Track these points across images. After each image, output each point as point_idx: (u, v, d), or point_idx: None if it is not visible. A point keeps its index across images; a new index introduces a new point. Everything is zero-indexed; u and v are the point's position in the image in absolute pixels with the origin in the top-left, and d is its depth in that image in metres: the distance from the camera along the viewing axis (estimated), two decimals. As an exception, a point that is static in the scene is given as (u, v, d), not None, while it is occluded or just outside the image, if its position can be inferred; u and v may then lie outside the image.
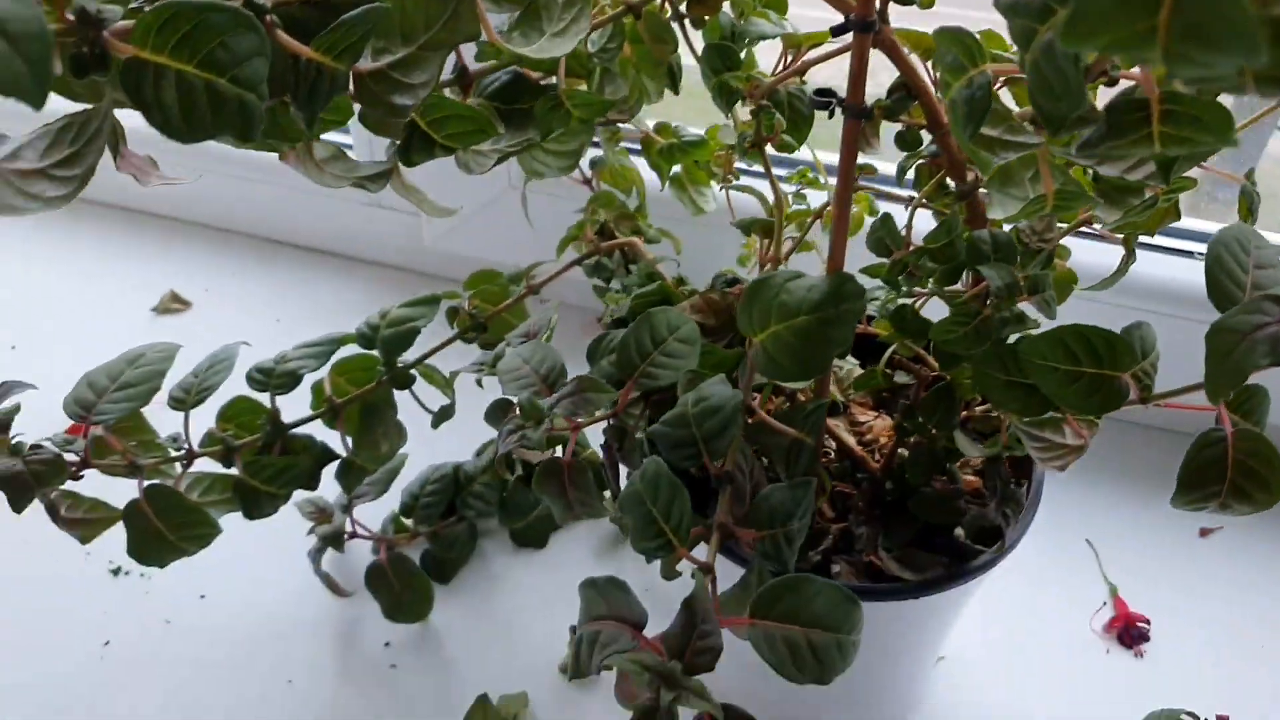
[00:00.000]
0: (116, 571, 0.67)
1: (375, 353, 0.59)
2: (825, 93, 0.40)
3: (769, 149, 0.47)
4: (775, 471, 0.46)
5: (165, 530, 0.51)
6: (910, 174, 0.46)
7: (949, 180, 0.42)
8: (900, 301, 0.46)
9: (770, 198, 0.55)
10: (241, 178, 0.89)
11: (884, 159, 0.50)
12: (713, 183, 0.62)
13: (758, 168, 0.51)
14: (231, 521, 0.53)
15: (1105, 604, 0.67)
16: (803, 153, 0.53)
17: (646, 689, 0.35)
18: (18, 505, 0.47)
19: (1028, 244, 0.43)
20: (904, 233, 0.44)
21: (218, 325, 0.84)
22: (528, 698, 0.61)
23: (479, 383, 0.65)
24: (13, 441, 0.48)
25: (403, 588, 0.63)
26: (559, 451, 0.46)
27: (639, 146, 0.59)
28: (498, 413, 0.51)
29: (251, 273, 0.89)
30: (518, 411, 0.48)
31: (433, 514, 0.66)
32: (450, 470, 0.68)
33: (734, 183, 0.57)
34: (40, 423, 0.73)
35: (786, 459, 0.45)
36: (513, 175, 0.80)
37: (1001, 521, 0.49)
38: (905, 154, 0.47)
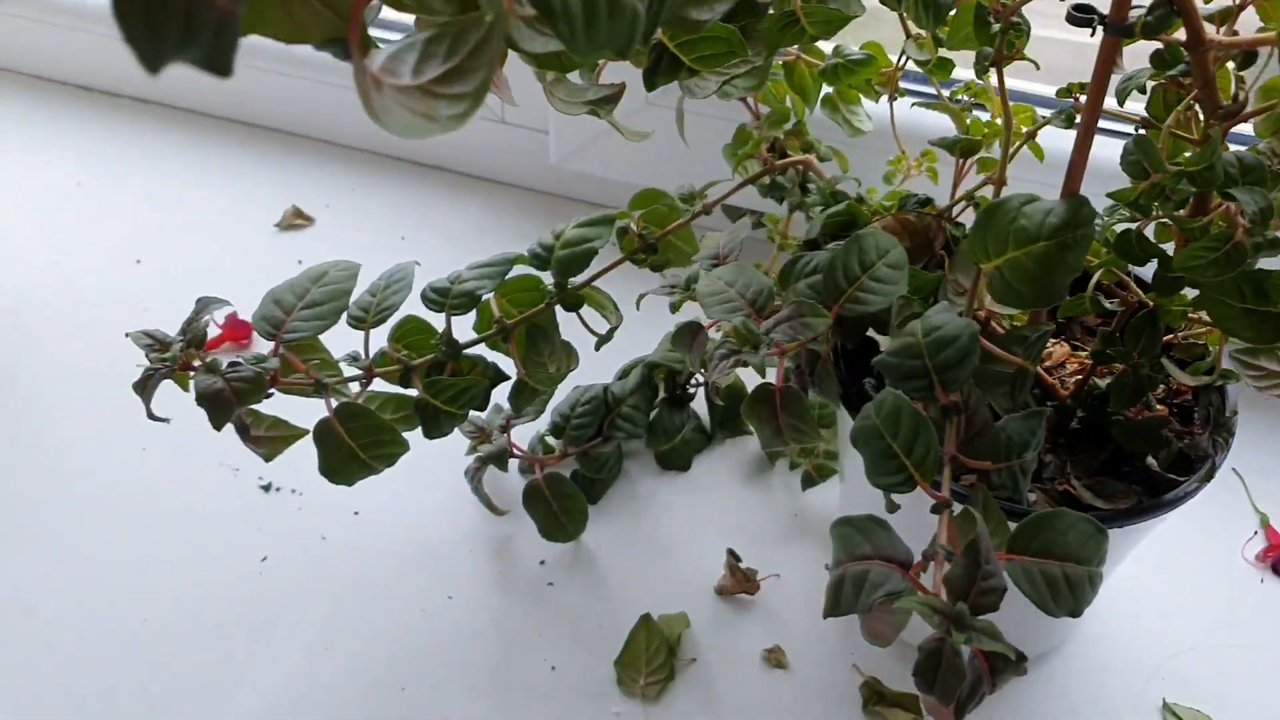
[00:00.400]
0: (267, 488, 0.68)
1: (536, 272, 0.59)
2: (1084, 9, 0.38)
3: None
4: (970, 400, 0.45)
5: (357, 448, 0.51)
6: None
7: (1195, 103, 0.41)
8: (1124, 226, 0.45)
9: (955, 116, 0.54)
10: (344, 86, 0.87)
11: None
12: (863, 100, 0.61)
13: (917, 86, 0.49)
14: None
15: (1256, 533, 0.66)
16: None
17: (935, 630, 0.35)
18: (218, 422, 0.47)
19: (1270, 167, 0.42)
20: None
21: (341, 241, 0.83)
22: (688, 618, 0.61)
23: (637, 305, 0.65)
24: (209, 359, 0.48)
25: (559, 507, 0.63)
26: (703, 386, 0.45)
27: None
28: (686, 336, 0.50)
29: (372, 189, 0.88)
30: (717, 334, 0.48)
31: (584, 435, 0.66)
32: (600, 392, 0.67)
33: (909, 101, 0.55)
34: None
35: (1011, 388, 0.44)
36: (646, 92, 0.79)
37: (1212, 450, 0.48)
38: (1130, 76, 0.45)
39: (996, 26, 0.41)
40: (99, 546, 0.65)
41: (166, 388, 0.72)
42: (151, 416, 0.48)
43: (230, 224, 0.84)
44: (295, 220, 0.84)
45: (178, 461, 0.69)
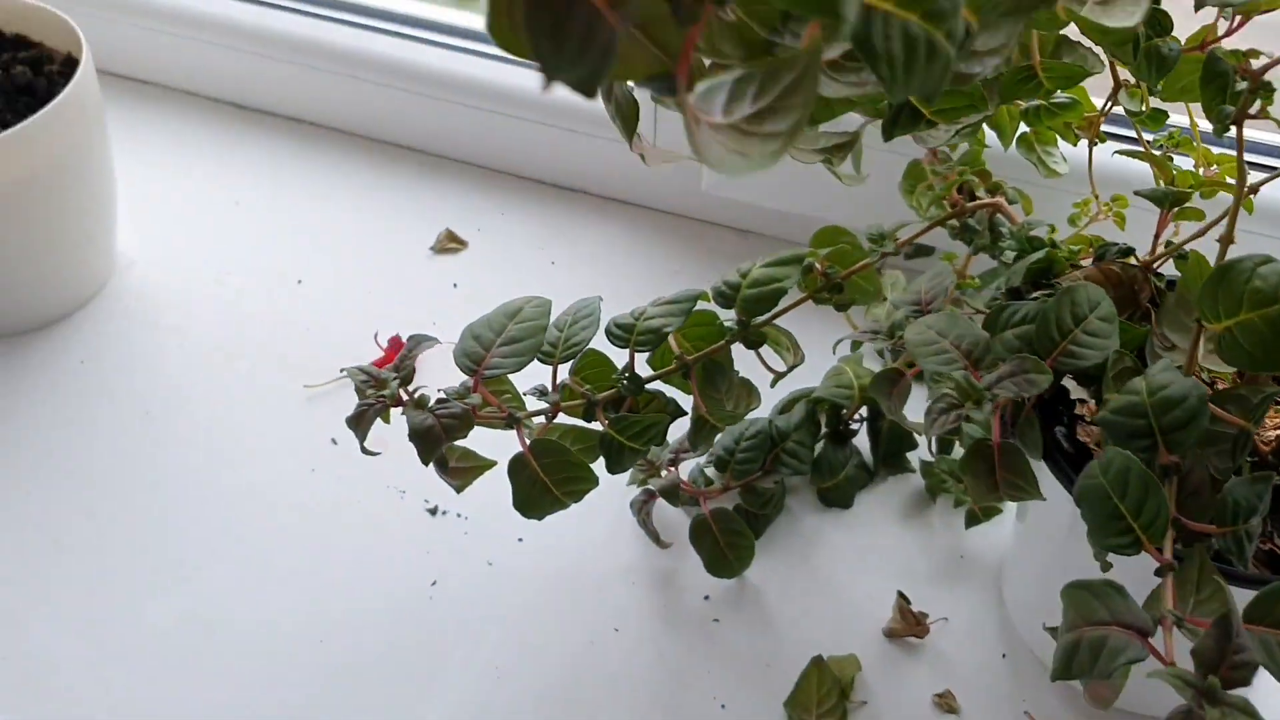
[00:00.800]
0: (434, 511, 0.69)
1: (712, 307, 0.59)
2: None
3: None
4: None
5: (550, 483, 0.51)
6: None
7: None
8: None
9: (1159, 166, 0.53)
10: (508, 115, 0.89)
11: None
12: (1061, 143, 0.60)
13: (1120, 130, 0.48)
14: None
15: None
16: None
17: (1185, 701, 0.34)
18: (427, 456, 0.48)
19: None
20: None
21: (494, 265, 0.84)
22: (859, 661, 0.61)
23: (834, 350, 0.65)
24: (417, 394, 0.49)
25: (726, 543, 0.63)
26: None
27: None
28: (885, 384, 0.50)
29: (520, 213, 0.89)
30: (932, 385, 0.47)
31: (749, 469, 0.66)
32: (765, 426, 0.67)
33: (1111, 148, 0.55)
34: (337, 355, 0.75)
35: (1232, 450, 0.43)
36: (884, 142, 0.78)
37: None
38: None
39: (1243, 86, 0.40)
40: (273, 567, 0.66)
41: (318, 407, 0.74)
42: (365, 451, 0.49)
43: (386, 246, 0.86)
44: (449, 244, 0.86)
45: (346, 483, 0.70)
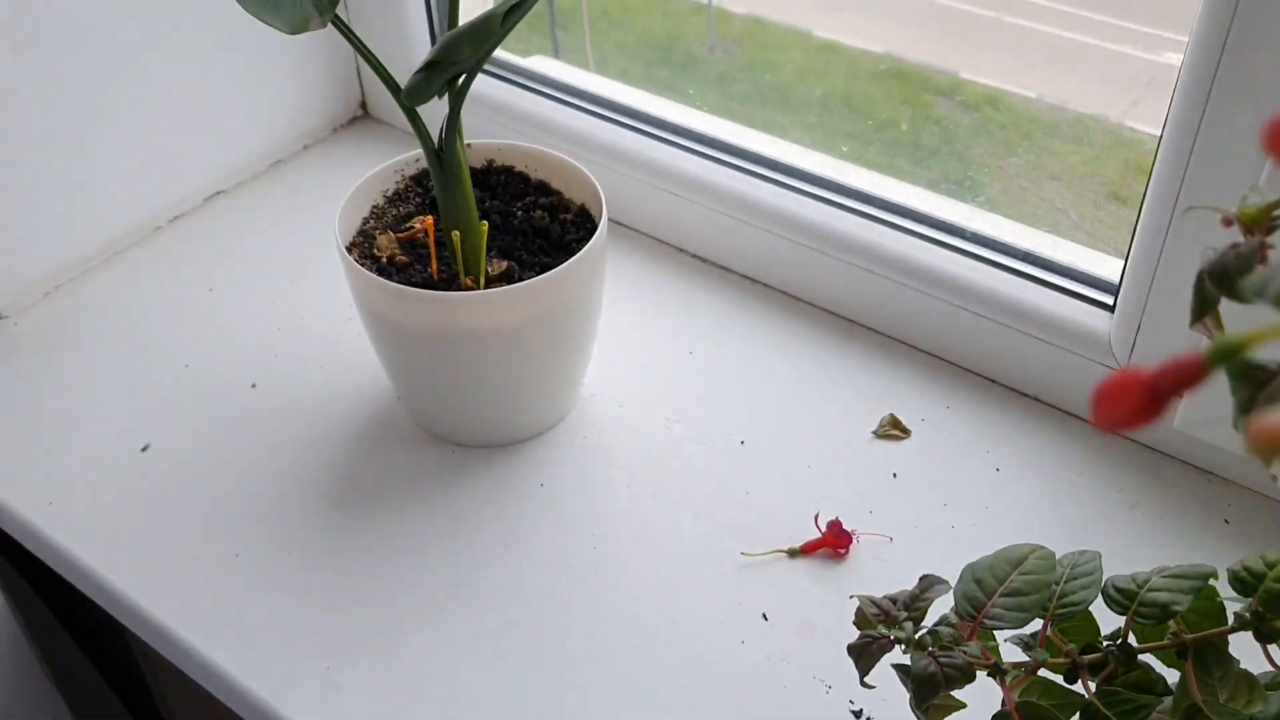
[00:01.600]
0: (858, 714, 0.68)
1: (1213, 583, 0.55)
2: None
3: None
4: None
5: (1035, 749, 0.49)
6: None
7: None
8: None
9: None
10: (969, 310, 0.88)
11: None
12: None
13: None
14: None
15: None
16: None
17: None
18: (923, 701, 0.47)
19: None
20: None
21: (937, 461, 0.84)
22: None
23: None
24: (917, 635, 0.48)
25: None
26: None
27: None
28: None
29: (968, 410, 0.88)
30: None
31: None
32: None
33: None
34: (774, 525, 0.77)
35: None
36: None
37: None
38: None
39: None
40: (697, 732, 0.68)
41: (753, 577, 0.75)
42: (865, 685, 0.49)
43: (827, 418, 0.87)
44: (892, 430, 0.86)
45: (773, 663, 0.71)
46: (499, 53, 1.14)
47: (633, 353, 0.94)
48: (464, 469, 0.84)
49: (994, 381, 0.90)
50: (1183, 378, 0.28)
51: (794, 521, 0.79)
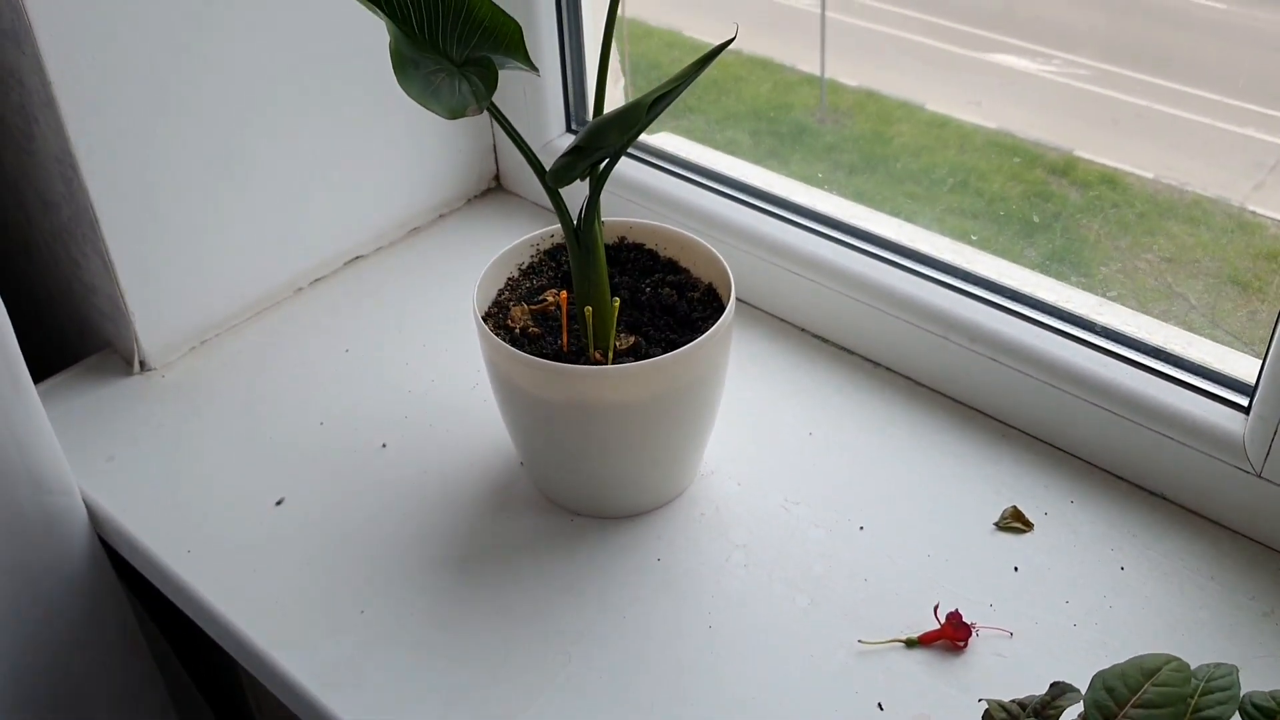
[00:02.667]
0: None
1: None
2: None
3: None
4: None
5: None
6: None
7: None
8: None
9: None
10: (1094, 404, 0.87)
11: None
12: None
13: None
14: None
15: None
16: None
17: None
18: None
19: None
20: None
21: (1060, 556, 0.82)
22: None
23: None
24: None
25: None
26: None
27: None
28: None
29: (1093, 506, 0.86)
30: None
31: None
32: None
33: None
34: (892, 613, 0.76)
35: None
36: None
37: None
38: None
39: None
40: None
41: (869, 665, 0.74)
42: (992, 787, 0.48)
43: (949, 509, 0.87)
44: (1013, 522, 0.85)
45: (889, 755, 0.70)
46: (630, 131, 1.18)
47: (753, 432, 0.95)
48: (583, 539, 0.85)
49: (1120, 478, 0.88)
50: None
51: (912, 611, 0.78)
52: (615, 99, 1.37)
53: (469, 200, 1.25)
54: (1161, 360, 0.87)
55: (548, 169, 0.73)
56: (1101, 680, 0.52)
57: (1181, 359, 0.86)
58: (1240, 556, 0.82)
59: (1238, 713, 0.52)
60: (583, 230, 0.78)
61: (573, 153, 0.72)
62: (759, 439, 0.94)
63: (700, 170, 1.12)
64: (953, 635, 0.76)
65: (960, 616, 0.76)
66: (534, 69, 0.72)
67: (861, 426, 0.95)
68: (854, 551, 0.84)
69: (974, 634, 0.76)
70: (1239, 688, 0.53)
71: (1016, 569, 0.82)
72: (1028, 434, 0.93)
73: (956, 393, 0.96)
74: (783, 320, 1.06)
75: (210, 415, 0.98)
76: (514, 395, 0.81)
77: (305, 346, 1.05)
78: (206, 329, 1.06)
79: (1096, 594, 0.80)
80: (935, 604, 0.78)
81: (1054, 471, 0.89)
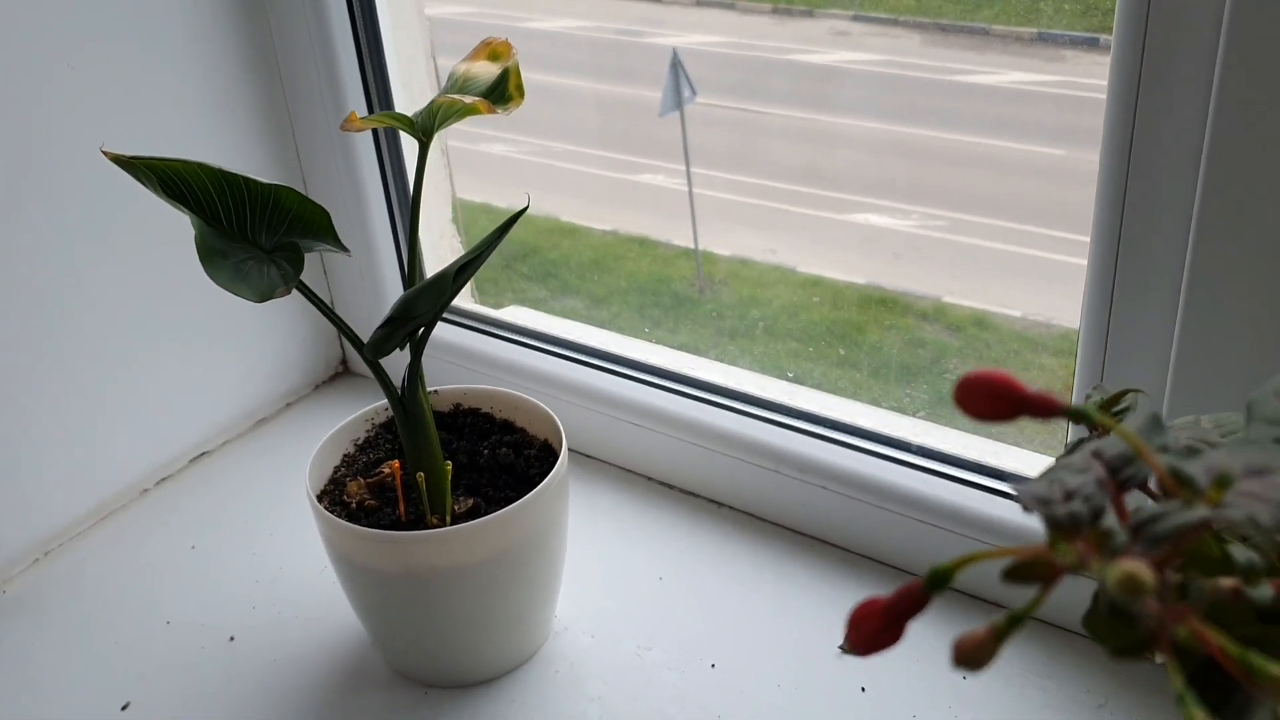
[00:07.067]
0: None
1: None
2: None
3: None
4: None
5: None
6: None
7: None
8: None
9: None
10: (913, 519, 0.91)
11: None
12: None
13: None
14: None
15: None
16: None
17: None
18: None
19: None
20: None
21: (900, 674, 0.85)
22: None
23: None
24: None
25: None
26: None
27: None
28: None
29: (929, 619, 0.89)
30: None
31: None
32: None
33: None
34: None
35: None
36: None
37: None
38: None
39: None
40: None
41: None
42: None
43: (795, 636, 0.89)
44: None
45: None
46: (469, 305, 1.22)
47: (604, 583, 0.96)
48: (439, 711, 0.85)
49: (957, 590, 0.92)
50: (910, 603, 0.32)
51: (765, 742, 0.79)
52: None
53: (316, 387, 1.26)
54: (976, 471, 0.92)
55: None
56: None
57: (993, 468, 0.91)
58: (1072, 654, 0.85)
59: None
60: (407, 397, 0.80)
61: (388, 324, 0.75)
62: (610, 590, 0.95)
63: (541, 336, 1.16)
64: (804, 761, 0.77)
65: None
66: (344, 250, 0.75)
67: (709, 566, 0.97)
68: (706, 691, 0.85)
69: (826, 757, 0.77)
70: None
71: (864, 689, 0.84)
72: (864, 555, 0.96)
73: (795, 523, 0.99)
74: (627, 470, 1.09)
75: (53, 628, 0.96)
76: (353, 571, 0.81)
77: (150, 548, 1.04)
78: (49, 540, 1.04)
79: (942, 707, 0.82)
80: (786, 732, 0.79)
81: (890, 589, 0.92)
